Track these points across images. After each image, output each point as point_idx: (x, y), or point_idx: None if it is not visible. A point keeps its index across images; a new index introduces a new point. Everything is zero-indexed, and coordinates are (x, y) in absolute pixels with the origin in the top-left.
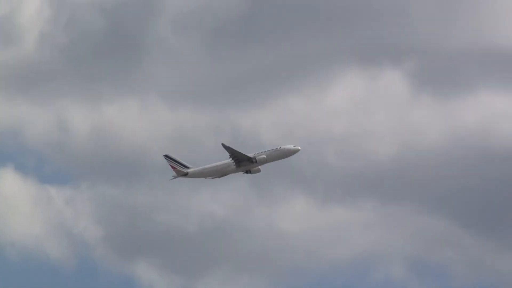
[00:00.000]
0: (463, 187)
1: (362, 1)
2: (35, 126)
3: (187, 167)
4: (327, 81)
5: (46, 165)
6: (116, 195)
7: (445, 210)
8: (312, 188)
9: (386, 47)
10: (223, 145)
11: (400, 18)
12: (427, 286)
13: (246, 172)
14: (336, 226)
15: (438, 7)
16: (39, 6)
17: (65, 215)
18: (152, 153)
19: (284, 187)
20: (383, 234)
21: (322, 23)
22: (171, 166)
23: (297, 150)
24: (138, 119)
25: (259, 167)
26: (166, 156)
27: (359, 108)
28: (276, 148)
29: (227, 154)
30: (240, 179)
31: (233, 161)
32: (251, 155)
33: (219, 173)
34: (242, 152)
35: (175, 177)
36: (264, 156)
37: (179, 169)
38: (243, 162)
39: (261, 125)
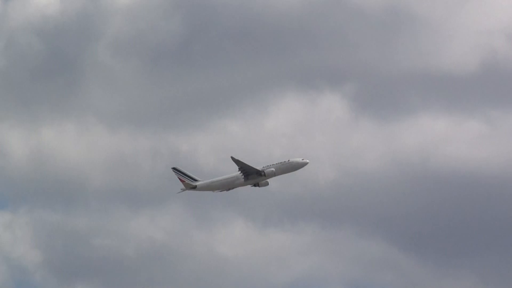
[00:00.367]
0: (403, 211)
1: (300, 25)
2: None
3: (195, 180)
4: (266, 104)
5: None
6: (55, 219)
7: (385, 234)
8: (251, 212)
9: (325, 70)
10: (232, 158)
11: (339, 41)
12: None
13: (254, 185)
14: (275, 250)
15: (377, 30)
16: None
17: (2, 240)
18: (91, 177)
19: (223, 211)
20: (323, 258)
21: (261, 47)
22: (179, 179)
23: (306, 163)
24: (76, 143)
25: (267, 180)
26: (174, 169)
27: (298, 131)
28: (284, 161)
29: (172, 174)
30: (181, 199)
31: (241, 174)
32: (259, 168)
33: (227, 186)
34: (251, 165)
35: (183, 190)
36: (273, 169)
37: (187, 182)
38: (251, 175)
39: (200, 148)
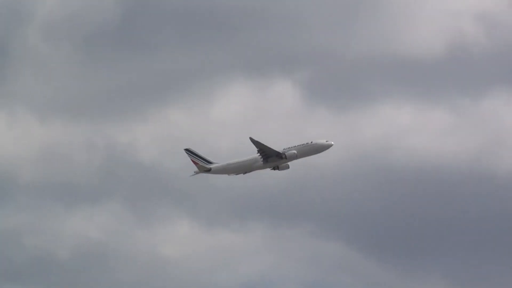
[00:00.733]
0: (362, 208)
1: (250, 6)
2: None
3: (210, 163)
4: (212, 92)
5: None
6: None
7: (341, 232)
8: (197, 209)
9: (276, 56)
10: (251, 139)
11: (292, 23)
12: None
13: (274, 168)
14: (223, 251)
15: (334, 11)
16: None
17: None
18: (21, 171)
19: (166, 208)
20: (274, 259)
21: (206, 30)
22: (192, 161)
23: (330, 145)
24: (4, 134)
25: (288, 163)
26: (187, 151)
27: (247, 121)
28: (307, 143)
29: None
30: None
31: (260, 156)
32: (280, 150)
33: (244, 169)
34: (271, 147)
35: (196, 173)
36: (294, 151)
37: (201, 164)
38: (271, 158)
39: (140, 140)
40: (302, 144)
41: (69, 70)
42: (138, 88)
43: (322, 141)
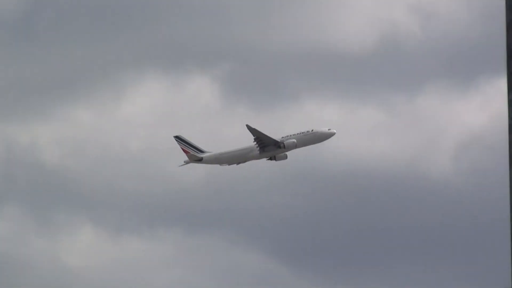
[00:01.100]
0: (283, 215)
1: None
2: None
3: (202, 151)
4: (122, 89)
5: None
6: None
7: (261, 242)
8: (102, 216)
9: (192, 49)
10: (248, 127)
11: (209, 14)
12: None
13: (270, 158)
14: (131, 260)
15: (256, 3)
16: None
17: None
18: None
19: (68, 214)
20: (188, 270)
21: (115, 21)
22: (183, 149)
23: (333, 134)
24: None
25: (286, 153)
26: (177, 138)
27: (161, 120)
28: (307, 131)
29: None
30: None
31: (257, 145)
32: (278, 139)
33: (239, 159)
34: (269, 135)
35: (187, 163)
36: (294, 140)
37: (192, 153)
38: (268, 147)
39: (41, 141)
40: (302, 133)
41: None
42: (40, 84)
43: (324, 129)
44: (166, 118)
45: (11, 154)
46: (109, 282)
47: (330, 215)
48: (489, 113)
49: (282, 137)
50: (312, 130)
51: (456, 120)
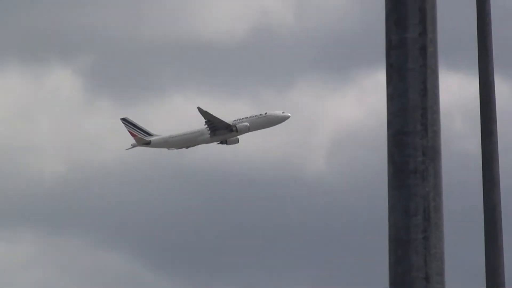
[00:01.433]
0: (154, 216)
1: None
2: None
3: (149, 135)
4: None
5: None
6: None
7: (128, 243)
8: None
9: (52, 39)
10: (199, 109)
11: (72, 2)
12: None
13: (221, 142)
14: None
15: None
16: None
17: None
18: None
19: None
20: (49, 272)
21: None
22: (129, 132)
23: (287, 117)
24: None
25: (238, 136)
26: (124, 120)
27: (18, 116)
28: (260, 115)
29: None
30: None
31: (208, 129)
32: (230, 122)
33: (188, 143)
34: (221, 118)
35: (134, 146)
36: (247, 123)
37: (140, 136)
38: (219, 131)
39: None
40: (255, 116)
41: None
42: None
43: (278, 112)
44: (23, 114)
45: None
46: None
47: (193, 216)
48: (366, 108)
49: (234, 120)
50: (265, 113)
51: (331, 115)
